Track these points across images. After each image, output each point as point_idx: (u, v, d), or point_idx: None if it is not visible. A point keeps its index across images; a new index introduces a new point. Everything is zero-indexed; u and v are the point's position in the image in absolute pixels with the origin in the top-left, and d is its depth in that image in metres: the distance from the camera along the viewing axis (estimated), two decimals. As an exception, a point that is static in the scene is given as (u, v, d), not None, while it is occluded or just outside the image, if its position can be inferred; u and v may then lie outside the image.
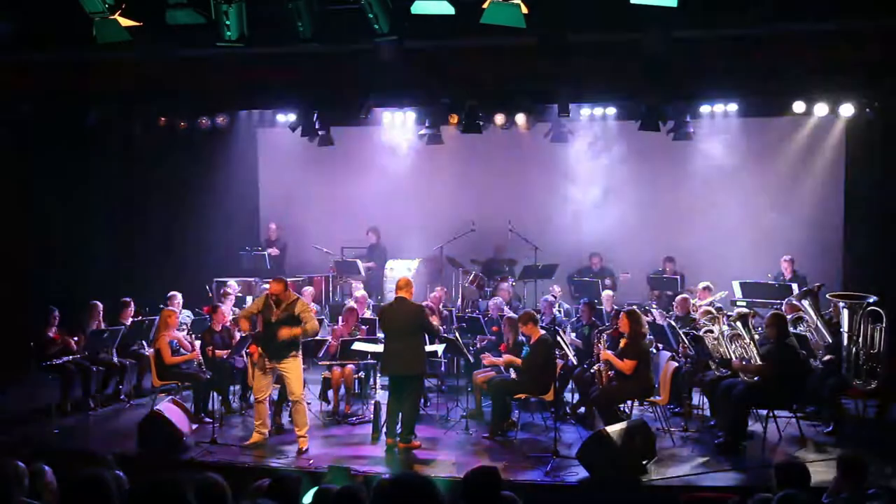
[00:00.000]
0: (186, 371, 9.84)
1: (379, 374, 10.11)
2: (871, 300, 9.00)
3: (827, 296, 9.65)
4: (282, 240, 14.44)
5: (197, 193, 13.95)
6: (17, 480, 4.35)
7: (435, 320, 9.41)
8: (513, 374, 9.42)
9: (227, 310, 10.82)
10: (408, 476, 3.79)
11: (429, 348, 9.59)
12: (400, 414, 8.60)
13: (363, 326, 10.47)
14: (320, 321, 11.32)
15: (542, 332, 9.33)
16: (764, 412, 8.71)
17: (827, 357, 9.18)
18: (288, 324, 8.54)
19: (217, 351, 9.74)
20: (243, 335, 9.95)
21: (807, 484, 5.35)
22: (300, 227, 14.68)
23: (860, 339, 8.83)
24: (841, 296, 9.33)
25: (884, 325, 8.73)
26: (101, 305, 10.65)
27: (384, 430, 8.78)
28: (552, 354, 9.16)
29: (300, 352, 8.79)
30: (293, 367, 8.64)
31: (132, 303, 10.98)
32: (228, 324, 10.35)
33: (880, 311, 8.82)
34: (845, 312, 8.99)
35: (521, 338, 9.51)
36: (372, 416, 9.23)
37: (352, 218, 14.42)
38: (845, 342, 8.92)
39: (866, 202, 12.50)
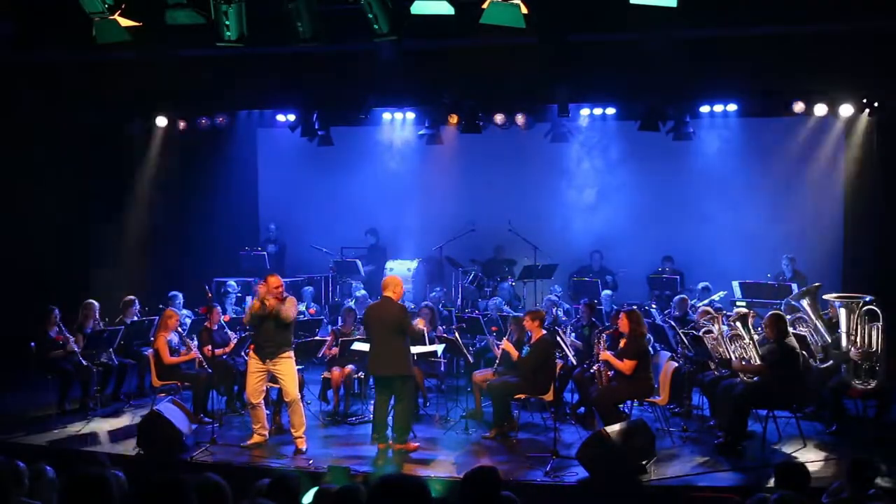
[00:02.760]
0: (186, 371, 9.83)
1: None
2: (867, 299, 9.01)
3: (823, 297, 9.66)
4: (281, 240, 14.44)
5: (197, 193, 13.94)
6: (17, 480, 4.35)
7: (421, 324, 9.23)
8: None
9: (228, 308, 10.77)
10: (398, 477, 3.74)
11: (429, 348, 9.59)
12: (392, 415, 8.54)
13: (362, 326, 10.46)
14: (319, 321, 11.38)
15: (543, 332, 9.32)
16: (764, 412, 8.71)
17: (828, 364, 9.16)
18: (277, 319, 8.55)
19: (216, 350, 9.73)
20: (242, 335, 9.95)
21: (806, 484, 5.35)
22: (300, 227, 14.68)
23: (857, 339, 8.83)
24: (837, 296, 9.34)
25: (880, 323, 8.73)
26: (96, 304, 10.61)
27: (374, 433, 8.57)
28: (552, 355, 9.15)
29: (293, 353, 8.80)
30: (287, 368, 8.62)
31: (136, 301, 10.96)
32: (225, 322, 10.35)
33: (876, 310, 8.83)
34: (842, 311, 8.99)
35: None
36: (372, 416, 9.21)
37: (352, 218, 14.42)
38: (844, 342, 8.92)
39: (866, 202, 12.49)
